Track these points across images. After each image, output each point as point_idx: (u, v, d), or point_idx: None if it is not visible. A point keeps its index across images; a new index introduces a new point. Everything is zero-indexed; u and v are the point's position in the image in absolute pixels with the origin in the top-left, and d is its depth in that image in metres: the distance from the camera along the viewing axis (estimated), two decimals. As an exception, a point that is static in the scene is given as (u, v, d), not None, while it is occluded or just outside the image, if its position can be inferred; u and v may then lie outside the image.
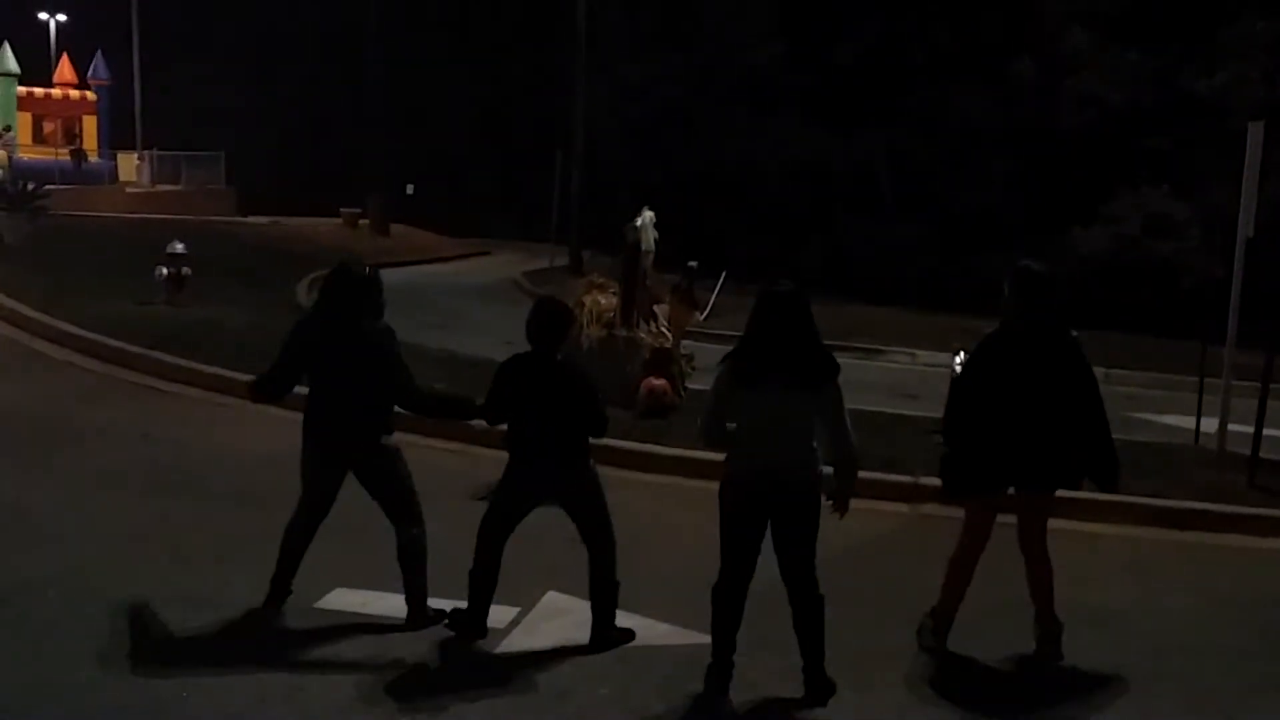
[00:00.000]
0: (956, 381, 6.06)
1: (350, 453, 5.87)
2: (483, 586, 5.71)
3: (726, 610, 5.33)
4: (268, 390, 6.01)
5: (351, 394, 5.76)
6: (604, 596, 5.78)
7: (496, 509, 5.74)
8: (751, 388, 5.15)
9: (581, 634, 5.70)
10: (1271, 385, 9.97)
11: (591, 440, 5.69)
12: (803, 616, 5.30)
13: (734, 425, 5.26)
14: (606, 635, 5.77)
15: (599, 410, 5.68)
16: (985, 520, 5.93)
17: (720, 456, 5.42)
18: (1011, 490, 5.86)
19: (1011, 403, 5.71)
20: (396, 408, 5.90)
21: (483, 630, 5.74)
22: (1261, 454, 9.82)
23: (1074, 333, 5.87)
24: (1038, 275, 5.85)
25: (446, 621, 5.79)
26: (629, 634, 5.83)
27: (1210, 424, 10.93)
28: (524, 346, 5.67)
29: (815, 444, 5.21)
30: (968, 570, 5.94)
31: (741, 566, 5.30)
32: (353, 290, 5.83)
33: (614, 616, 5.81)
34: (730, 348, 5.33)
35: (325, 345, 5.79)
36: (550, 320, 5.69)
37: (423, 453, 9.35)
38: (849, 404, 5.28)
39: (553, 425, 5.57)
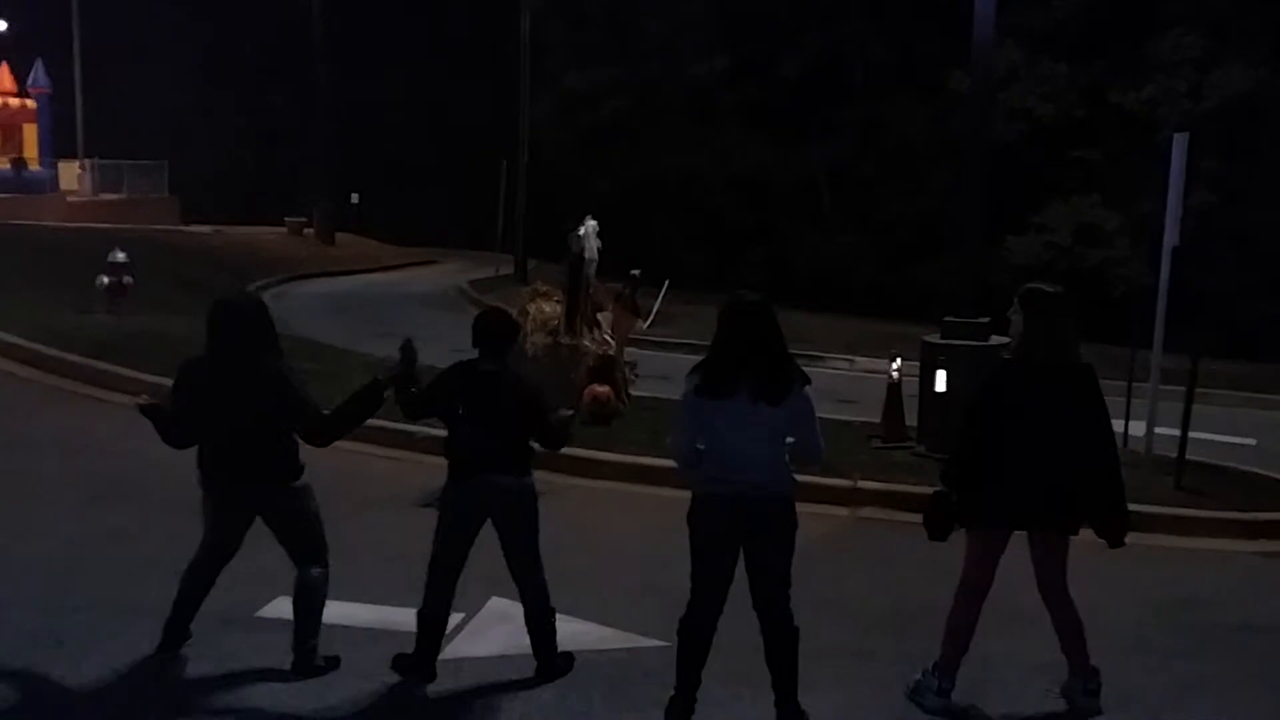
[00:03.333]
0: (971, 415, 5.47)
1: (251, 501, 5.52)
2: (433, 629, 5.49)
3: (695, 645, 5.06)
4: (170, 440, 5.60)
5: (249, 440, 5.38)
6: (545, 627, 5.62)
7: (443, 539, 5.50)
8: (721, 402, 4.92)
9: (526, 640, 5.69)
10: (1197, 390, 10.26)
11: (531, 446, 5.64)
12: (776, 648, 5.07)
13: (703, 444, 4.99)
14: (553, 663, 5.62)
15: (550, 423, 5.53)
16: (987, 557, 5.48)
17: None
18: (1017, 531, 5.49)
19: (1029, 439, 5.30)
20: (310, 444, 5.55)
21: (431, 674, 5.50)
22: (1187, 456, 10.09)
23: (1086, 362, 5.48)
24: (1054, 298, 5.43)
25: (391, 664, 5.55)
26: (570, 659, 5.70)
27: (1138, 427, 11.20)
28: (473, 355, 5.63)
29: (788, 459, 5.03)
30: (971, 615, 5.51)
31: (714, 597, 5.03)
32: (243, 325, 5.43)
33: (555, 643, 5.65)
34: (696, 358, 5.14)
35: (216, 388, 5.38)
36: (495, 329, 5.60)
37: (367, 460, 9.43)
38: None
39: (494, 437, 5.40)
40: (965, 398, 5.74)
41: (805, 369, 5.22)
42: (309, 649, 5.51)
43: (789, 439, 5.00)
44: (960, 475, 5.46)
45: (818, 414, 5.15)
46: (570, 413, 5.91)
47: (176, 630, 5.61)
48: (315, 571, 5.55)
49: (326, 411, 5.57)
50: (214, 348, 5.42)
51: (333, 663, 5.56)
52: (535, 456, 5.60)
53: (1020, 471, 5.31)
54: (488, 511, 5.49)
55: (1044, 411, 5.32)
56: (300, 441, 5.52)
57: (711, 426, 4.95)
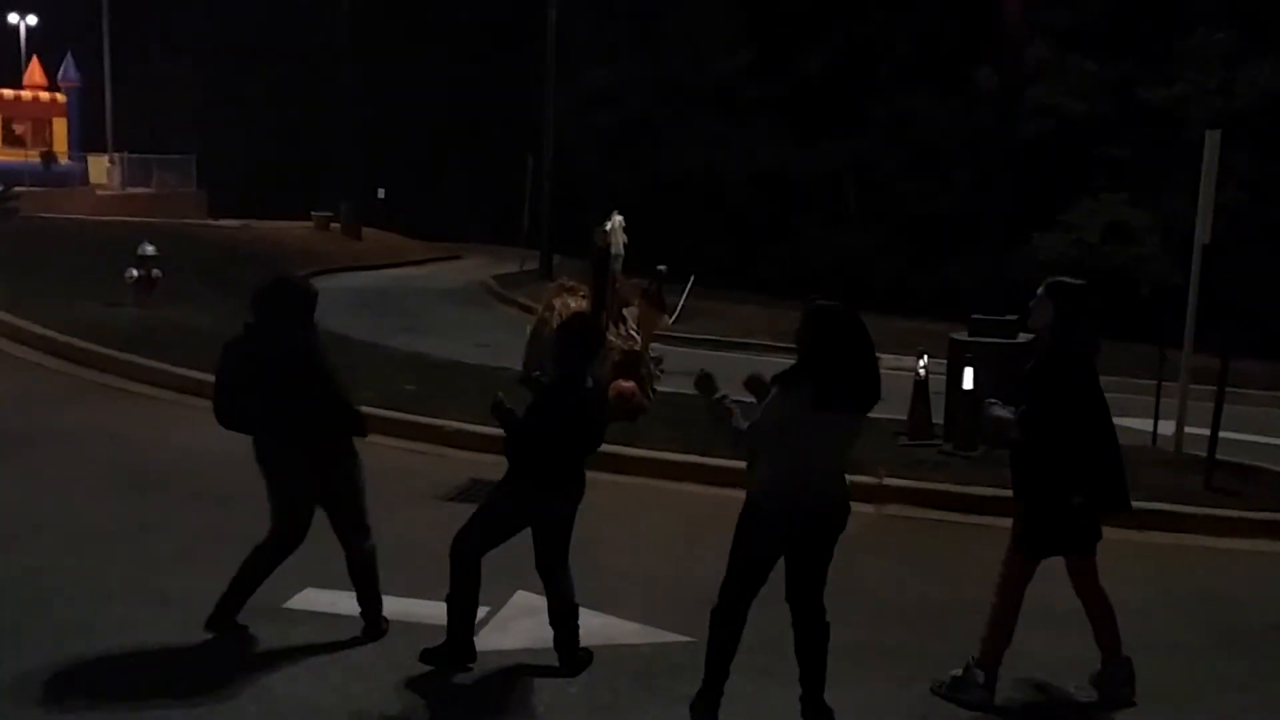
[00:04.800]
0: (1057, 422, 5.38)
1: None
2: (467, 608, 5.55)
3: (728, 634, 5.07)
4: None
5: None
6: (569, 622, 5.63)
7: (482, 527, 5.54)
8: (823, 412, 4.82)
9: (550, 633, 5.69)
10: (1227, 389, 10.18)
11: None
12: (807, 642, 5.08)
13: (774, 453, 4.93)
14: (576, 659, 5.64)
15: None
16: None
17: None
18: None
19: (1097, 434, 5.43)
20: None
21: (471, 654, 5.56)
22: (1217, 456, 10.02)
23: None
24: (1084, 290, 5.53)
25: (420, 657, 5.56)
26: (589, 655, 5.70)
27: (1167, 426, 11.12)
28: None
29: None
30: (1013, 608, 5.51)
31: (752, 589, 5.04)
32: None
33: (578, 639, 5.67)
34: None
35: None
36: (582, 339, 5.59)
37: (393, 454, 9.46)
38: None
39: (586, 451, 5.53)
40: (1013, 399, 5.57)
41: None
42: (375, 612, 5.85)
43: None
44: (1070, 480, 5.39)
45: None
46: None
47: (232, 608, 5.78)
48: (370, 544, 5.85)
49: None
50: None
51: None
52: None
53: (1095, 465, 5.40)
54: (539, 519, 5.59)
55: (1100, 402, 5.43)
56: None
57: (799, 433, 4.84)
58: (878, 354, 5.01)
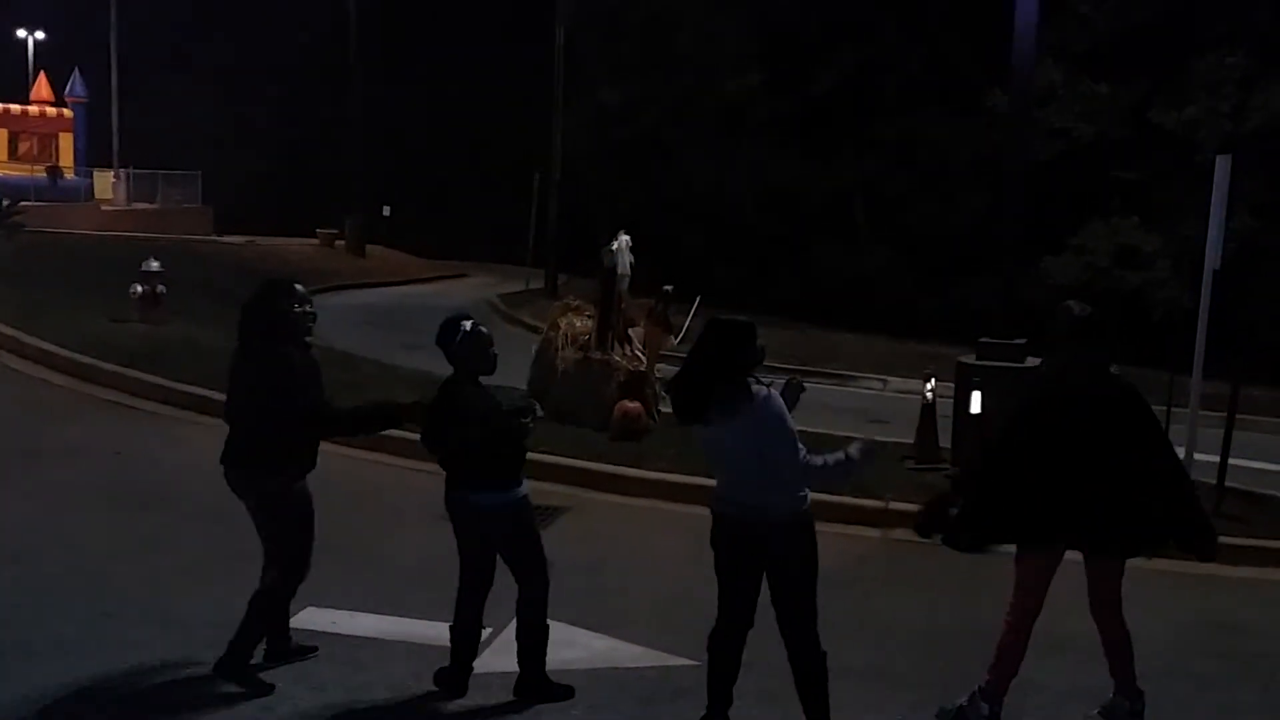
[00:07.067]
0: (1006, 430, 5.43)
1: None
2: (466, 641, 5.49)
3: (722, 659, 5.02)
4: None
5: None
6: (535, 640, 5.46)
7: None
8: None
9: (555, 654, 5.60)
10: (1237, 416, 10.10)
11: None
12: (800, 673, 4.98)
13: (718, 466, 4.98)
14: (538, 685, 5.44)
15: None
16: (1034, 580, 5.37)
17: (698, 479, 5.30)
18: (1069, 552, 5.40)
19: (1067, 457, 5.24)
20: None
21: (463, 689, 5.47)
22: (1227, 483, 9.94)
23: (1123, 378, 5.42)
24: (1085, 318, 5.36)
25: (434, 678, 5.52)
26: (569, 691, 5.51)
27: (1177, 452, 11.03)
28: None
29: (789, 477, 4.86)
30: (1021, 639, 5.39)
31: (735, 614, 4.98)
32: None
33: (544, 664, 5.48)
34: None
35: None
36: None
37: (400, 474, 9.40)
38: (821, 428, 5.20)
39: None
40: (1002, 416, 5.64)
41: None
42: (240, 651, 5.39)
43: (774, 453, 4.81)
44: (981, 480, 5.44)
45: (838, 431, 5.11)
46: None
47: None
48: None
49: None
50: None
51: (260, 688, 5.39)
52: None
53: (1058, 486, 5.23)
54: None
55: (1082, 427, 5.23)
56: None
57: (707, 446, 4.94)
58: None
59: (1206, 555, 5.43)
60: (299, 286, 5.57)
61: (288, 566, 5.47)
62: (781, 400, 4.83)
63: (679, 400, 4.93)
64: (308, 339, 5.54)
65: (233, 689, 5.31)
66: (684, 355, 5.05)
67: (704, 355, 4.86)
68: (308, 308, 5.54)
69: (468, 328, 5.33)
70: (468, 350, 5.29)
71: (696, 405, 4.82)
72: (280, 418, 5.33)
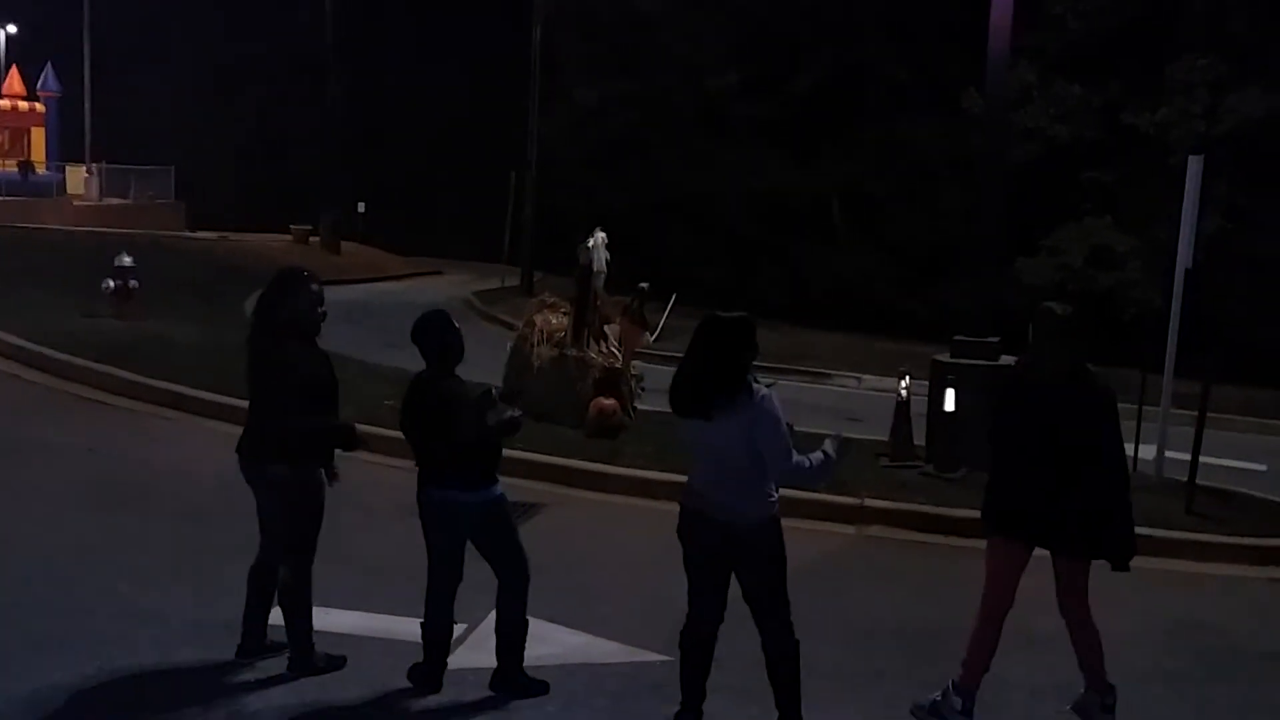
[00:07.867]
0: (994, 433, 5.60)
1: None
2: (439, 640, 5.48)
3: (693, 654, 5.07)
4: None
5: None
6: (514, 634, 5.47)
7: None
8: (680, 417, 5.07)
9: (530, 649, 5.59)
10: (1208, 414, 10.19)
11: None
12: (772, 664, 5.02)
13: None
14: (514, 679, 5.46)
15: None
16: (1001, 569, 5.43)
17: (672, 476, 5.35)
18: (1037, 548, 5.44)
19: (1022, 451, 5.37)
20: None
21: (437, 685, 5.47)
22: (1198, 480, 10.02)
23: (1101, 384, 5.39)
24: (1055, 319, 5.36)
25: (408, 674, 5.51)
26: (544, 686, 5.52)
27: (1149, 451, 11.13)
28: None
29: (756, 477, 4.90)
30: (993, 628, 5.43)
31: (703, 609, 5.03)
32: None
33: (522, 658, 5.49)
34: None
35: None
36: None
37: (379, 470, 9.37)
38: (800, 425, 5.19)
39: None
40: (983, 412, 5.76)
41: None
42: (303, 654, 5.52)
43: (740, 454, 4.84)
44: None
45: (813, 429, 5.12)
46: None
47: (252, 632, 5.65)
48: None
49: None
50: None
51: (336, 662, 5.57)
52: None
53: (1016, 480, 5.39)
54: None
55: (1037, 424, 5.29)
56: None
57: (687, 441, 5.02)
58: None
59: (1120, 566, 5.40)
60: (315, 286, 5.63)
61: (297, 561, 5.47)
62: (777, 402, 4.85)
63: (683, 397, 4.93)
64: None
65: (209, 685, 5.30)
66: (660, 353, 5.08)
67: (707, 352, 4.88)
68: (321, 308, 5.64)
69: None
70: None
71: (702, 402, 4.83)
72: (291, 412, 5.37)
